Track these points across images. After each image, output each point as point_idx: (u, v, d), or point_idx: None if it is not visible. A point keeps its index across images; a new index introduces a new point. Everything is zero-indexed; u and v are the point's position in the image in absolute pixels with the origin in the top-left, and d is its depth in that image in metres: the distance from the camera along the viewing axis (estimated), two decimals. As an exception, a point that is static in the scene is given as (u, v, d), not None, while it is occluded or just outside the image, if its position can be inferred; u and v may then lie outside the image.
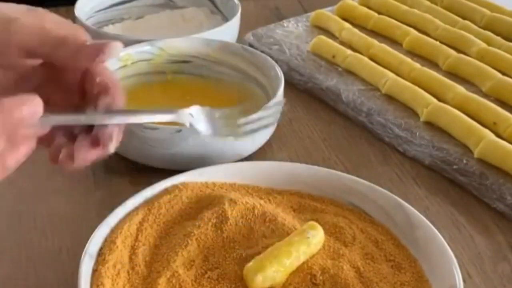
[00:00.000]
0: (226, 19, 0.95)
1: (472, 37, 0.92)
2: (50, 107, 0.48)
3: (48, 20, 0.53)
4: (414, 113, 0.80)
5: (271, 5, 1.11)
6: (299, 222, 0.62)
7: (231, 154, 0.72)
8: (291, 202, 0.66)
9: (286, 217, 0.62)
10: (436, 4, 1.02)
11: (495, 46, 0.90)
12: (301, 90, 0.88)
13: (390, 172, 0.75)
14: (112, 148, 0.50)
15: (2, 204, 0.70)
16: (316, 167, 0.69)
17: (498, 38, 0.93)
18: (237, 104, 0.79)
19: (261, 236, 0.60)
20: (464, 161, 0.73)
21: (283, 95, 0.76)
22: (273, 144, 0.78)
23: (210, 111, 0.56)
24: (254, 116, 0.59)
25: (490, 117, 0.77)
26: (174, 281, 0.56)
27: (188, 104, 0.79)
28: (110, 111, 0.51)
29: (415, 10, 0.99)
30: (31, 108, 0.46)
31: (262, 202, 0.64)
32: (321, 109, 0.85)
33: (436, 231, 0.60)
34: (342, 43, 0.94)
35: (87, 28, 0.89)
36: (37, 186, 0.72)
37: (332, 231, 0.62)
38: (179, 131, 0.69)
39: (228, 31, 0.89)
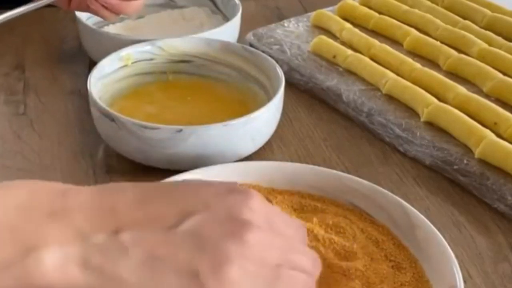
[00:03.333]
0: (226, 19, 0.95)
1: (473, 37, 0.92)
2: None
3: None
4: (414, 113, 0.80)
5: (272, 5, 1.11)
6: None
7: (231, 154, 0.72)
8: (292, 202, 0.66)
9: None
10: (437, 4, 1.02)
11: (496, 46, 0.90)
12: (302, 90, 0.88)
13: (391, 172, 0.75)
14: None
15: (2, 203, 0.69)
16: (316, 167, 0.69)
17: (499, 38, 0.92)
18: (238, 104, 0.80)
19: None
20: (465, 161, 0.72)
21: (284, 95, 0.76)
22: (273, 144, 0.78)
23: None
24: None
25: (491, 117, 0.77)
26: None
27: (188, 104, 0.80)
28: None
29: (416, 10, 0.99)
30: None
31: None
32: (321, 109, 0.85)
33: (437, 231, 0.60)
34: (343, 43, 0.93)
35: (87, 28, 0.89)
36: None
37: (332, 231, 0.62)
38: (180, 130, 0.69)
39: (228, 31, 0.89)
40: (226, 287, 0.42)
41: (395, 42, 0.94)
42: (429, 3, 1.02)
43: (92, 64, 0.82)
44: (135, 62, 0.82)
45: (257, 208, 0.45)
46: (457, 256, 0.58)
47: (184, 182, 0.50)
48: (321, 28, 0.98)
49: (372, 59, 0.88)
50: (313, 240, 0.60)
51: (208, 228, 0.43)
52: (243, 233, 0.43)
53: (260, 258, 0.43)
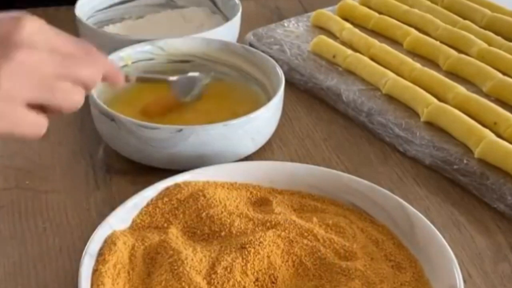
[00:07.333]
0: (226, 19, 0.95)
1: (472, 37, 0.92)
2: None
3: None
4: (414, 113, 0.80)
5: (272, 5, 1.11)
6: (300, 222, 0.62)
7: (231, 154, 0.72)
8: (292, 202, 0.66)
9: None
10: (437, 4, 1.02)
11: (495, 46, 0.90)
12: (302, 90, 0.88)
13: (391, 172, 0.75)
14: None
15: (2, 203, 0.70)
16: (316, 167, 0.69)
17: (499, 38, 0.92)
18: (238, 104, 0.80)
19: (259, 230, 0.60)
20: (465, 161, 0.73)
21: (284, 95, 0.76)
22: (273, 144, 0.78)
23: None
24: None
25: (491, 117, 0.77)
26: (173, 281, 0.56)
27: (188, 104, 0.80)
28: None
29: (416, 10, 0.99)
30: None
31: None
32: (321, 109, 0.85)
33: (437, 231, 0.60)
34: (343, 43, 0.94)
35: (87, 28, 0.89)
36: (37, 186, 0.72)
37: (332, 231, 0.62)
38: (180, 130, 0.69)
39: (228, 31, 0.89)
40: None
41: (395, 42, 0.94)
42: (429, 3, 1.02)
43: (92, 64, 0.82)
44: (135, 62, 0.82)
45: (31, 31, 0.49)
46: (457, 256, 0.58)
47: None
48: (321, 28, 0.99)
49: (372, 59, 0.88)
50: (313, 240, 0.60)
51: None
52: (11, 53, 0.47)
53: (32, 73, 0.49)
